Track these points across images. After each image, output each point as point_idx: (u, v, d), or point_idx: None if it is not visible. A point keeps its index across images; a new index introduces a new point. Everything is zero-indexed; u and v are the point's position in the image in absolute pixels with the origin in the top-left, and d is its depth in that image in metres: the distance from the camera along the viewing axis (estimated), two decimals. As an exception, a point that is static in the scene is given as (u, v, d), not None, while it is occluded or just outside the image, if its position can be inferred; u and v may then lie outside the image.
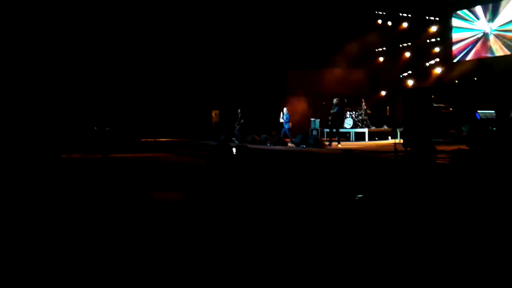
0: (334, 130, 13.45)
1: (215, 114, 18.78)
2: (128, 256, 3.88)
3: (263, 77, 18.98)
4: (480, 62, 16.05)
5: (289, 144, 14.12)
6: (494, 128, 9.02)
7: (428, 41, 18.23)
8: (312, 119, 17.55)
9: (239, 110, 16.20)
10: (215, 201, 6.31)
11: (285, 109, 15.72)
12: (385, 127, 16.91)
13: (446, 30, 17.57)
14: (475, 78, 15.70)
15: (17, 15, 16.88)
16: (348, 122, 16.71)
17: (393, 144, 10.50)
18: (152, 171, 10.37)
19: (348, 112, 16.85)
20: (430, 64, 18.10)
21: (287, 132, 15.46)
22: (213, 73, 19.41)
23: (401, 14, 18.74)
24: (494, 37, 15.64)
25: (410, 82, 18.43)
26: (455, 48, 17.20)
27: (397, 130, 14.39)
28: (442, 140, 12.57)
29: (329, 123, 13.54)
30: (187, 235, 4.52)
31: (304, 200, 6.28)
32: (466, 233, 4.46)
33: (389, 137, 16.06)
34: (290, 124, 15.45)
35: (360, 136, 16.49)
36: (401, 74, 18.87)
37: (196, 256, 3.83)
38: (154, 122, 19.78)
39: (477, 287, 3.11)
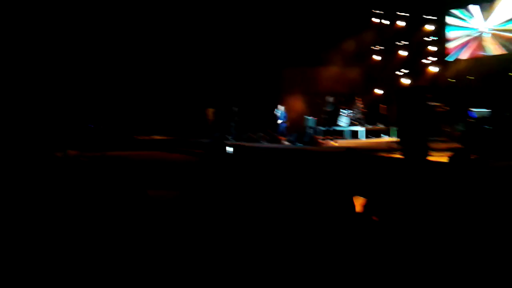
0: (329, 128, 13.49)
1: (210, 112, 18.73)
2: (124, 254, 3.86)
3: (258, 75, 18.95)
4: (475, 60, 16.09)
5: (285, 142, 14.13)
6: (489, 127, 9.05)
7: (423, 39, 18.26)
8: (308, 117, 17.55)
9: (235, 108, 16.18)
10: (210, 199, 6.29)
11: (281, 107, 15.74)
12: (380, 125, 16.94)
13: (441, 29, 17.59)
14: (470, 77, 15.74)
15: (9, 12, 16.76)
16: (343, 121, 16.73)
17: (388, 143, 10.54)
18: (148, 169, 10.34)
19: (343, 111, 16.87)
20: (425, 63, 18.14)
21: (283, 130, 15.48)
22: (208, 71, 19.35)
23: (397, 13, 18.75)
24: (489, 36, 15.68)
25: (405, 81, 18.47)
26: (450, 46, 17.23)
27: (392, 128, 14.43)
28: (436, 138, 12.62)
29: (324, 121, 13.58)
30: (183, 233, 4.50)
31: (300, 198, 6.27)
32: (462, 232, 4.46)
33: (384, 136, 16.10)
34: (286, 122, 15.49)
35: (355, 135, 16.53)
36: (397, 73, 18.89)
37: (192, 254, 3.82)
38: (149, 119, 19.70)
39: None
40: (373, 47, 19.51)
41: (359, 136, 16.12)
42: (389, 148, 9.90)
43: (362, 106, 16.99)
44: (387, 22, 18.98)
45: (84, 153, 13.23)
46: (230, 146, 8.87)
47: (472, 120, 10.34)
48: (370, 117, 17.41)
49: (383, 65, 19.20)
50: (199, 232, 4.55)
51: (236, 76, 19.10)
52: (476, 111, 11.34)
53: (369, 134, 16.40)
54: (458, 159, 6.67)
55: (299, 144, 13.12)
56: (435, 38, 17.97)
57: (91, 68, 18.69)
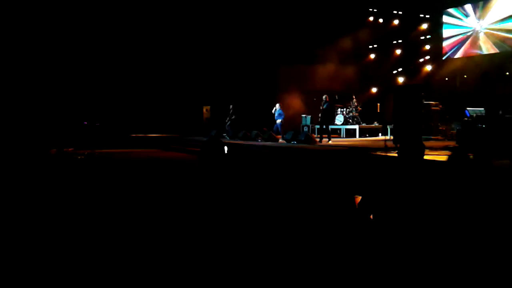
0: (324, 126, 13.49)
1: (206, 110, 18.70)
2: (120, 254, 3.86)
3: (254, 73, 18.94)
4: (470, 59, 16.16)
5: (280, 141, 14.12)
6: (484, 126, 9.08)
7: (419, 38, 18.31)
8: (303, 115, 17.58)
9: (230, 106, 16.16)
10: (208, 197, 6.29)
11: (277, 105, 15.73)
12: (376, 123, 16.99)
13: (437, 27, 17.65)
14: (465, 76, 15.81)
15: (5, 10, 16.63)
16: (339, 119, 16.75)
17: (384, 141, 10.56)
18: (142, 167, 10.31)
19: (339, 109, 16.90)
20: (421, 61, 18.20)
21: (279, 128, 15.48)
22: (204, 68, 19.31)
23: (392, 11, 18.79)
24: (484, 35, 15.76)
25: (400, 79, 18.52)
26: (445, 45, 17.30)
27: (388, 127, 14.47)
28: (432, 137, 12.68)
29: (319, 119, 13.59)
30: (180, 231, 4.49)
31: (295, 197, 6.28)
32: (456, 230, 4.49)
33: (380, 134, 16.14)
34: (282, 120, 15.48)
35: (350, 133, 16.56)
36: (392, 71, 18.94)
37: (190, 253, 3.81)
38: (144, 117, 19.64)
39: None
40: (369, 46, 19.56)
41: (355, 135, 16.15)
42: (384, 146, 9.91)
43: (357, 104, 17.04)
44: (383, 21, 19.03)
45: (79, 150, 13.19)
46: (226, 145, 8.86)
47: (467, 119, 10.37)
48: (365, 115, 17.45)
49: (378, 63, 19.26)
50: (199, 231, 4.55)
51: (232, 74, 19.08)
52: (471, 110, 11.38)
53: (364, 132, 16.44)
54: (457, 159, 6.70)
55: (294, 142, 13.12)
56: (429, 37, 18.03)
57: (86, 66, 18.59)
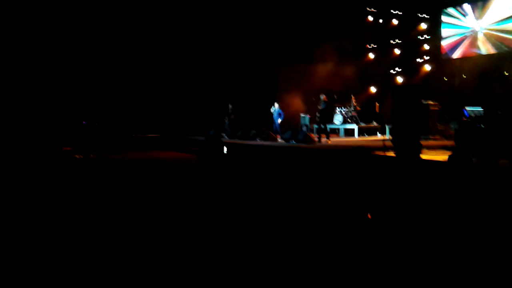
0: (323, 126, 13.50)
1: (206, 109, 18.66)
2: (121, 252, 3.85)
3: (253, 72, 18.93)
4: (468, 59, 16.19)
5: (279, 140, 14.13)
6: (482, 126, 9.10)
7: (418, 38, 18.33)
8: (302, 114, 17.58)
9: (230, 106, 16.15)
10: (208, 197, 6.28)
11: (276, 105, 15.74)
12: (375, 123, 17.00)
13: (435, 27, 17.68)
14: (464, 76, 15.83)
15: (3, 8, 16.59)
16: (338, 118, 16.76)
17: (382, 141, 10.56)
18: (141, 167, 10.30)
19: (337, 108, 16.90)
20: (419, 61, 18.21)
21: (278, 128, 15.48)
22: (203, 68, 19.28)
23: (391, 11, 18.80)
24: (483, 35, 15.78)
25: (399, 79, 18.54)
26: (444, 45, 17.32)
27: (386, 126, 14.48)
28: (430, 137, 12.68)
29: (317, 119, 13.61)
30: (180, 231, 4.49)
31: (294, 197, 6.28)
32: (453, 229, 4.49)
33: (378, 134, 16.16)
34: (281, 120, 15.48)
35: (349, 132, 16.57)
36: (391, 71, 18.95)
37: (191, 253, 3.82)
38: (143, 117, 19.60)
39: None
40: (368, 46, 19.57)
41: (354, 134, 16.16)
42: (383, 146, 9.92)
43: (356, 104, 17.04)
44: (382, 21, 19.04)
45: (77, 150, 13.16)
46: (225, 145, 8.87)
47: (466, 119, 10.39)
48: (364, 115, 17.46)
49: (377, 63, 19.27)
50: (198, 231, 4.55)
51: (231, 74, 19.06)
52: (470, 109, 11.39)
53: (363, 132, 16.45)
54: (458, 159, 6.69)
55: (293, 142, 13.13)
56: (429, 37, 18.04)
57: (85, 65, 18.55)
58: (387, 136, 13.27)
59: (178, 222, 4.88)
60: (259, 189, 6.84)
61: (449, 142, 10.90)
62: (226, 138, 15.25)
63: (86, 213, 5.31)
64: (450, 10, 16.96)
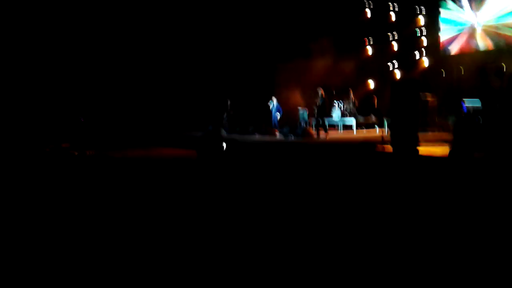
0: (321, 120, 13.52)
1: (204, 105, 18.62)
2: (121, 252, 3.86)
3: (251, 67, 18.87)
4: (467, 53, 16.18)
5: (278, 135, 14.13)
6: (480, 119, 9.12)
7: (416, 32, 18.30)
8: (301, 109, 17.55)
9: (228, 101, 16.13)
10: (207, 194, 6.29)
11: (274, 99, 15.73)
12: (373, 117, 16.98)
13: (434, 21, 17.65)
14: (462, 70, 15.82)
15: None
16: (336, 113, 16.74)
17: (381, 135, 10.59)
18: (139, 163, 10.29)
19: (336, 103, 16.88)
20: (417, 55, 18.19)
21: (276, 123, 15.49)
22: (201, 63, 19.22)
23: (389, 5, 18.76)
24: (481, 29, 15.76)
25: (398, 73, 18.52)
26: (442, 39, 17.30)
27: (385, 121, 14.48)
28: (429, 131, 12.70)
29: (315, 114, 13.63)
30: (182, 229, 4.49)
31: (293, 192, 6.29)
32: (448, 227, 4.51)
33: (377, 128, 16.15)
34: (279, 115, 15.48)
35: (348, 127, 16.56)
36: (389, 65, 18.93)
37: (191, 251, 3.82)
38: (140, 113, 19.51)
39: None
40: (366, 40, 19.53)
41: (352, 129, 16.16)
42: (381, 140, 9.93)
43: (354, 98, 17.03)
44: (380, 14, 18.99)
45: (75, 146, 13.13)
46: (224, 140, 8.86)
47: (464, 112, 10.41)
48: (363, 109, 17.44)
49: (376, 57, 19.24)
50: (198, 229, 4.55)
51: (229, 69, 19.01)
52: (468, 101, 11.42)
53: (362, 126, 16.44)
54: (459, 154, 6.69)
55: (292, 137, 13.13)
56: (426, 31, 18.01)
57: (82, 60, 18.45)
58: (386, 131, 13.29)
59: (177, 219, 4.88)
60: (258, 185, 6.84)
61: (447, 136, 10.90)
62: (224, 134, 15.21)
63: (83, 211, 5.31)
64: (448, 3, 16.92)
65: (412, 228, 4.31)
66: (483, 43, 15.75)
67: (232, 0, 18.16)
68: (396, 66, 18.84)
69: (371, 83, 19.31)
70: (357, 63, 19.27)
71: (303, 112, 17.42)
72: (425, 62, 17.71)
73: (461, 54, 16.41)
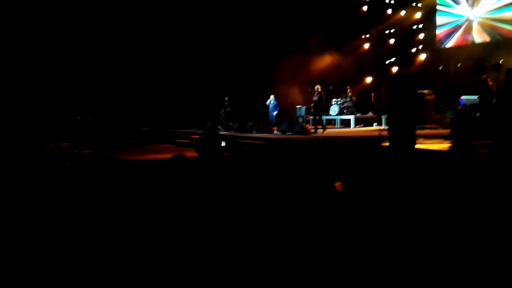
0: (318, 117, 13.53)
1: (202, 102, 18.61)
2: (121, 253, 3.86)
3: (249, 64, 18.86)
4: (463, 48, 16.19)
5: (275, 132, 14.13)
6: (478, 114, 9.13)
7: (412, 27, 18.30)
8: (298, 106, 17.57)
9: (226, 98, 16.12)
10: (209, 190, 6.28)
11: (272, 97, 15.73)
12: (371, 113, 17.02)
13: (430, 16, 17.66)
14: (459, 64, 15.83)
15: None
16: (334, 109, 16.77)
17: (378, 131, 10.58)
18: (137, 161, 10.28)
19: (333, 99, 16.91)
20: (414, 50, 18.20)
21: (274, 120, 15.48)
22: (199, 61, 19.18)
23: (385, 1, 18.76)
24: (477, 23, 15.77)
25: (395, 69, 18.53)
26: (439, 33, 17.32)
27: (382, 116, 14.49)
28: (426, 126, 12.71)
29: (312, 110, 13.64)
30: (180, 227, 4.49)
31: (291, 189, 6.29)
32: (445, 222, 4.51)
33: (375, 124, 16.18)
34: (277, 112, 15.48)
35: (345, 123, 16.60)
36: (387, 61, 18.94)
37: (190, 249, 3.82)
38: (138, 111, 19.47)
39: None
40: (362, 36, 19.52)
41: (350, 125, 16.19)
42: (378, 136, 9.93)
43: (352, 94, 17.04)
44: (376, 10, 18.98)
45: (73, 145, 13.08)
46: (223, 138, 8.85)
47: (461, 107, 10.41)
48: (360, 105, 17.47)
49: (373, 53, 19.24)
50: (198, 224, 4.55)
51: (226, 66, 18.99)
52: (465, 98, 11.42)
53: (359, 122, 16.47)
54: (460, 149, 6.67)
55: (289, 133, 13.13)
56: (422, 26, 18.00)
57: (79, 59, 18.38)
58: (383, 126, 13.30)
59: (178, 218, 4.88)
60: (258, 183, 6.84)
61: (445, 131, 10.92)
62: (222, 131, 15.23)
63: (81, 211, 5.30)
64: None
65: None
66: (479, 36, 15.76)
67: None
68: (393, 61, 18.85)
69: (369, 79, 19.33)
70: (354, 59, 19.28)
71: (300, 109, 17.44)
72: (422, 57, 17.73)
73: (457, 48, 16.42)
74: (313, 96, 13.53)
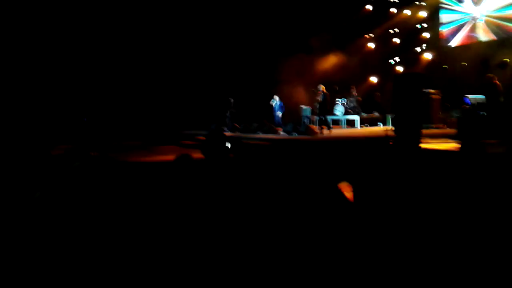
0: (323, 117, 13.53)
1: (207, 103, 18.64)
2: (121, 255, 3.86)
3: (253, 65, 18.86)
4: (469, 46, 16.11)
5: (281, 133, 14.12)
6: (485, 113, 9.09)
7: (417, 25, 18.23)
8: (304, 106, 17.56)
9: (231, 99, 16.14)
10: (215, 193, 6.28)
11: (276, 97, 15.73)
12: (376, 113, 16.97)
13: (435, 15, 17.59)
14: (465, 63, 15.76)
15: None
16: (339, 109, 16.73)
17: (384, 131, 10.56)
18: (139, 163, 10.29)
19: (338, 99, 16.88)
20: (420, 49, 18.13)
21: (279, 121, 15.48)
22: (203, 61, 19.20)
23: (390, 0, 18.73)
24: (483, 22, 15.70)
25: (400, 68, 18.47)
26: (444, 32, 17.24)
27: (388, 116, 14.46)
28: (432, 125, 12.66)
29: (317, 111, 13.64)
30: (183, 232, 4.49)
31: (298, 190, 6.28)
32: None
33: (380, 124, 16.14)
34: (282, 112, 15.48)
35: (351, 123, 16.56)
36: (392, 60, 18.88)
37: (193, 250, 3.82)
38: (142, 112, 19.49)
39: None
40: (367, 35, 19.47)
41: (355, 125, 16.16)
42: (384, 136, 9.91)
43: (357, 94, 17.01)
44: (381, 9, 18.93)
45: (79, 148, 13.09)
46: (228, 139, 8.85)
47: (468, 107, 10.37)
48: (365, 105, 17.43)
49: (377, 53, 19.19)
50: (198, 229, 4.55)
51: (231, 67, 19.00)
52: (472, 97, 11.37)
53: (364, 122, 16.43)
54: (470, 148, 6.62)
55: (295, 134, 13.13)
56: (427, 24, 17.93)
57: (83, 61, 18.43)
58: (389, 126, 13.26)
59: (183, 221, 4.88)
60: (264, 184, 6.83)
61: (452, 131, 10.88)
62: (227, 132, 15.23)
63: (89, 211, 5.31)
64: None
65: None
66: (485, 35, 15.68)
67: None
68: (398, 61, 18.79)
69: (374, 79, 19.29)
70: (359, 59, 19.24)
71: (305, 109, 17.43)
72: (427, 56, 17.66)
73: (463, 47, 16.34)
74: (318, 96, 13.53)
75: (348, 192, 5.86)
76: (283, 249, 3.70)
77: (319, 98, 13.38)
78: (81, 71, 18.39)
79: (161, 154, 12.05)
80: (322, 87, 13.47)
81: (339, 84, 17.00)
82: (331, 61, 18.30)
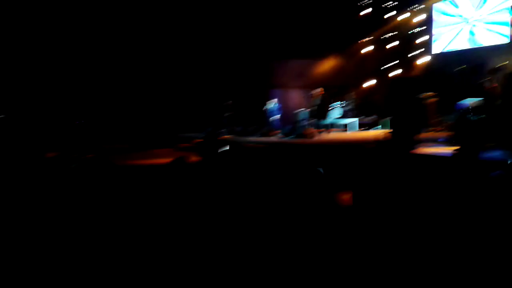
0: (321, 120, 13.58)
1: (204, 106, 18.64)
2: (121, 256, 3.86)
3: (251, 68, 18.89)
4: (465, 50, 16.19)
5: (278, 136, 14.15)
6: (482, 117, 9.11)
7: (414, 29, 18.32)
8: (301, 109, 17.59)
9: (228, 102, 16.17)
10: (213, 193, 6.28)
11: (274, 100, 15.77)
12: (374, 116, 17.02)
13: (430, 19, 17.68)
14: (462, 67, 15.83)
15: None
16: (338, 112, 16.77)
17: (381, 134, 10.58)
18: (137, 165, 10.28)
19: (336, 102, 16.92)
20: (416, 53, 18.21)
21: (277, 123, 15.52)
22: (200, 64, 19.21)
23: (387, 3, 18.80)
24: (477, 26, 15.79)
25: (397, 72, 18.53)
26: (439, 36, 17.33)
27: (385, 120, 14.50)
28: (429, 129, 12.71)
29: (315, 114, 13.69)
30: (181, 233, 4.49)
31: (295, 193, 6.28)
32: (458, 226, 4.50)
33: (379, 127, 16.18)
34: (279, 116, 15.52)
35: (349, 126, 16.57)
36: (389, 64, 18.95)
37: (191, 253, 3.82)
38: (138, 115, 19.42)
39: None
40: (365, 39, 19.55)
41: (352, 128, 16.18)
42: (382, 139, 9.93)
43: (355, 97, 17.06)
44: (378, 13, 19.03)
45: (76, 151, 13.05)
46: (225, 142, 8.87)
47: (464, 110, 10.40)
48: (363, 108, 17.48)
49: (374, 56, 19.26)
50: (198, 230, 4.55)
51: (228, 69, 19.02)
52: (467, 101, 11.42)
53: (362, 125, 16.46)
54: (468, 152, 6.64)
55: (293, 137, 13.15)
56: (424, 28, 18.02)
57: (79, 62, 18.37)
58: (388, 129, 13.29)
59: (181, 223, 4.88)
60: (261, 187, 6.84)
61: (448, 134, 10.91)
62: (225, 135, 15.24)
63: (82, 215, 5.30)
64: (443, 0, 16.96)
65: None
66: (481, 38, 15.76)
67: (230, 3, 18.16)
68: (394, 64, 18.86)
69: (372, 83, 19.35)
70: (356, 62, 19.31)
71: (303, 112, 17.46)
72: (423, 60, 17.74)
73: (458, 51, 16.42)
74: (316, 99, 13.58)
75: (345, 196, 5.87)
76: (280, 251, 3.71)
77: (317, 101, 13.44)
78: (76, 74, 18.33)
79: (157, 157, 12.04)
80: (320, 90, 13.53)
81: (337, 88, 17.04)
82: (329, 64, 18.36)
